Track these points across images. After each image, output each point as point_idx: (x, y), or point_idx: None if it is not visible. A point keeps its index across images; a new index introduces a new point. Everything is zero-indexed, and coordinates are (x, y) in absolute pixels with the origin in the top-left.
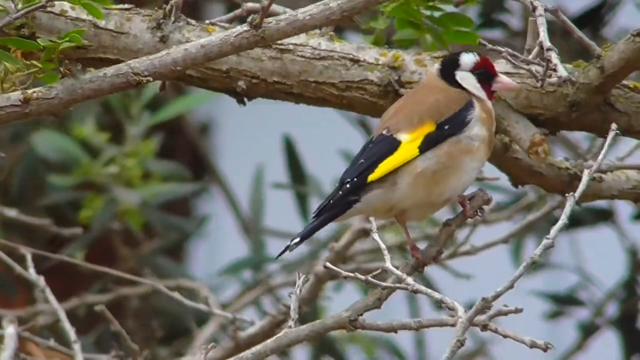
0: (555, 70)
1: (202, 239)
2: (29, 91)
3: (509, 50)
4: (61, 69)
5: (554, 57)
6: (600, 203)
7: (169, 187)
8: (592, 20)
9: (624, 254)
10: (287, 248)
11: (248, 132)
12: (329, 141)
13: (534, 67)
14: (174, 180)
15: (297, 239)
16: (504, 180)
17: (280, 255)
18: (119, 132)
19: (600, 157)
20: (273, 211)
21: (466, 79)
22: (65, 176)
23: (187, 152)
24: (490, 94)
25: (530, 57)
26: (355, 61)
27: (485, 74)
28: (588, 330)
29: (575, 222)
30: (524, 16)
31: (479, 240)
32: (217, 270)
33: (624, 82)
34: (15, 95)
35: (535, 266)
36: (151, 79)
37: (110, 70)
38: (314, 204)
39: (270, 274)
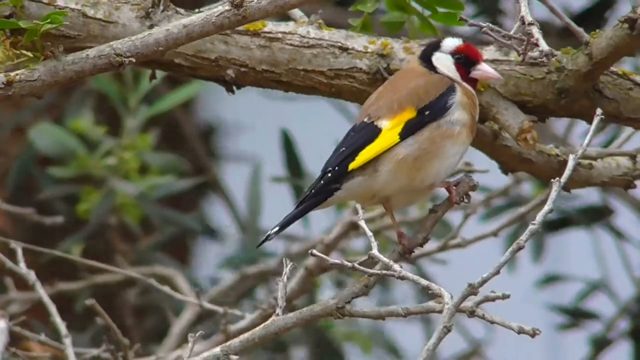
0: (537, 45)
1: (208, 238)
2: (12, 74)
3: (490, 25)
4: (43, 51)
5: (536, 31)
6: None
7: (166, 179)
8: (593, 17)
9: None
10: (267, 237)
11: (246, 127)
12: (326, 136)
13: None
14: (173, 173)
15: (277, 228)
16: (498, 180)
17: (260, 244)
18: (116, 125)
19: (586, 141)
20: (271, 207)
21: (441, 59)
22: (63, 168)
23: (186, 149)
24: (469, 80)
25: (512, 31)
26: (344, 49)
27: (465, 58)
28: (599, 344)
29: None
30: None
31: (469, 234)
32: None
33: (613, 68)
34: None
35: (548, 279)
36: (134, 60)
37: (92, 52)
38: None
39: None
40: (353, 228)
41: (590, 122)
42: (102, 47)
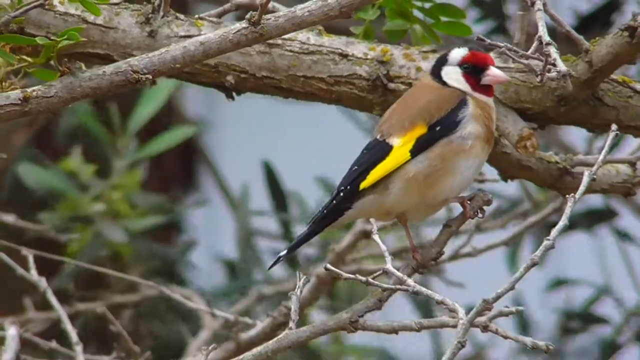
0: (554, 65)
1: (200, 246)
2: (28, 90)
3: (508, 45)
4: (60, 67)
5: (553, 51)
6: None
7: (154, 220)
8: (599, 20)
9: None
10: (278, 259)
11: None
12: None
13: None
14: (159, 213)
15: (285, 251)
16: (502, 185)
17: (271, 267)
18: (105, 164)
19: (601, 157)
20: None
21: (450, 73)
22: (53, 212)
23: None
24: (481, 88)
25: (530, 51)
26: (344, 56)
27: (472, 67)
28: (610, 348)
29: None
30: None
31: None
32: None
33: (613, 76)
34: (15, 94)
35: (558, 282)
36: (150, 77)
37: (109, 69)
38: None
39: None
40: (364, 237)
41: (590, 130)
42: (119, 63)
